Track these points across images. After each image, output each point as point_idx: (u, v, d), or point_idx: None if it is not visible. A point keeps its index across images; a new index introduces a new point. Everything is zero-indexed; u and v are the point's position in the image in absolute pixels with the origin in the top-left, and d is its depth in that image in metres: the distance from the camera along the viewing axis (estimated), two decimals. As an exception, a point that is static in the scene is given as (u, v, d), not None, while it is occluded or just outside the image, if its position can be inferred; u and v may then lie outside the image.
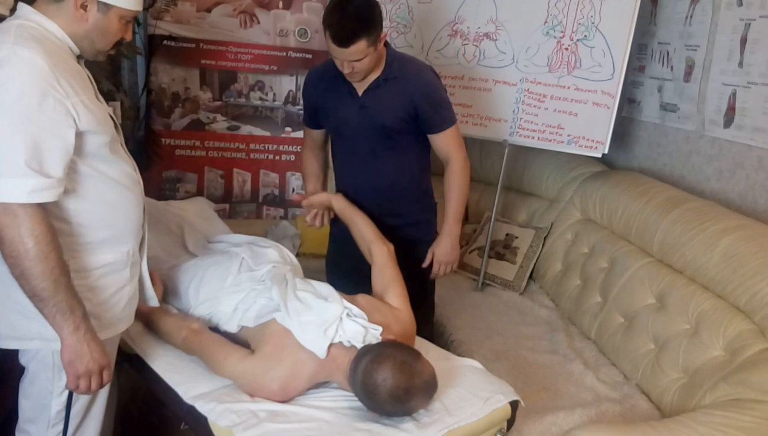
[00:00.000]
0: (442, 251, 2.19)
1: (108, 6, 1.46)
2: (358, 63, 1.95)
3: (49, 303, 1.38)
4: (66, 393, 1.57)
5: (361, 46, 1.90)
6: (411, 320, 1.82)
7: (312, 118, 2.25)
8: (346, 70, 1.98)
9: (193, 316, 1.88)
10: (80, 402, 1.61)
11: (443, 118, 2.13)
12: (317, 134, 2.30)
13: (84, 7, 1.44)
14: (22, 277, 1.36)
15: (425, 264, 2.22)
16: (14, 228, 1.32)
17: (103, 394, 1.65)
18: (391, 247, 1.97)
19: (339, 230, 2.32)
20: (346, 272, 2.15)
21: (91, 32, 1.48)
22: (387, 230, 2.21)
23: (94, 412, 1.65)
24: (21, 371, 1.62)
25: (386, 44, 2.10)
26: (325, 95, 2.16)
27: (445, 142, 2.15)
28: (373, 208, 2.19)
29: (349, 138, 2.17)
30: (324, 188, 2.37)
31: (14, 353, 1.60)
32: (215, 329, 1.86)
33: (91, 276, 1.53)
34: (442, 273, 2.23)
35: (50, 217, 1.39)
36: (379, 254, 1.94)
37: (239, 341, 1.81)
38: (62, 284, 1.38)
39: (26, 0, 1.48)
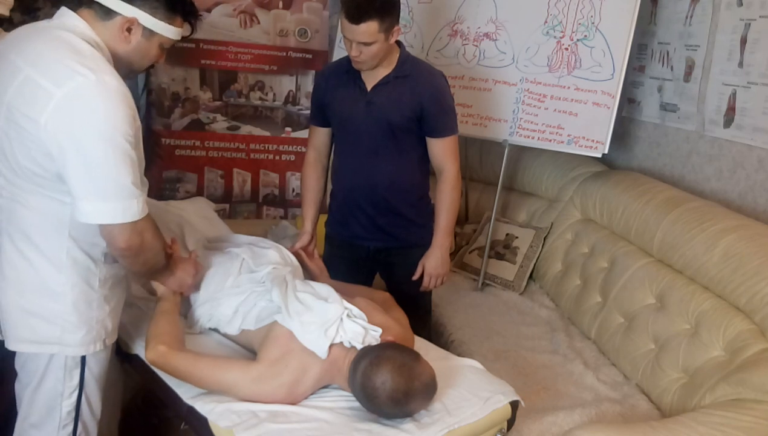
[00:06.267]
0: (433, 263, 2.19)
1: (152, 33, 1.52)
2: (366, 48, 1.95)
3: (164, 267, 1.69)
4: (76, 393, 1.59)
5: (372, 27, 1.91)
6: (411, 333, 1.83)
7: (320, 115, 2.23)
8: (353, 53, 1.98)
9: (190, 319, 1.87)
10: (85, 401, 1.62)
11: (445, 124, 2.13)
12: (323, 136, 2.27)
13: (129, 30, 1.49)
14: (146, 266, 1.58)
15: (415, 277, 2.21)
16: (139, 239, 1.47)
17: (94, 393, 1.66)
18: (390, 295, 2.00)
19: (335, 233, 2.32)
20: (342, 275, 2.15)
21: (130, 54, 1.53)
22: (382, 230, 2.21)
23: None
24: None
25: (400, 45, 2.11)
26: (334, 90, 2.16)
27: (442, 150, 2.14)
28: (368, 206, 2.19)
29: (352, 133, 2.16)
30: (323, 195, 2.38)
31: (13, 354, 1.61)
32: (215, 330, 1.86)
33: (106, 285, 1.60)
34: (433, 286, 2.23)
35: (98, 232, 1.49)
36: (381, 294, 1.99)
37: (239, 343, 1.81)
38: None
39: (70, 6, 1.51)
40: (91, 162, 1.37)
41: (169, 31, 1.54)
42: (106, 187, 1.39)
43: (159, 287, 1.82)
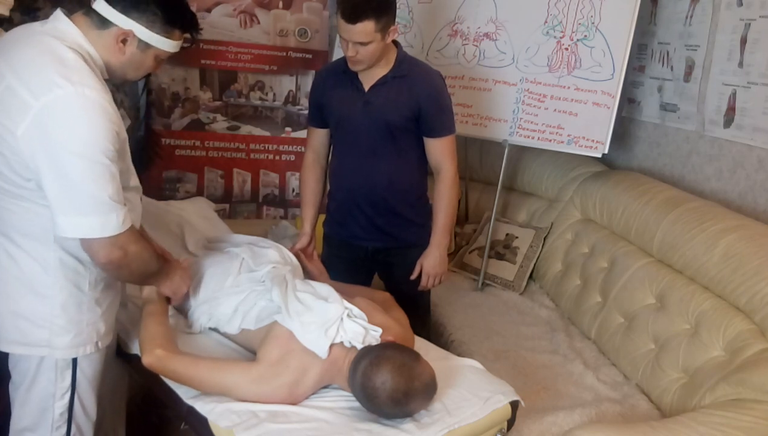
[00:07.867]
0: (431, 262, 2.19)
1: (148, 45, 1.49)
2: (363, 47, 1.95)
3: (158, 271, 1.64)
4: (68, 394, 1.58)
5: (368, 26, 1.91)
6: (411, 333, 1.83)
7: (318, 116, 2.23)
8: (350, 53, 1.98)
9: (188, 320, 1.87)
10: (78, 403, 1.61)
11: (443, 124, 2.14)
12: (321, 137, 2.27)
13: (124, 41, 1.46)
14: (134, 276, 1.58)
15: (413, 276, 2.21)
16: (120, 252, 1.44)
17: (88, 394, 1.64)
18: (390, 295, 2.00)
19: (333, 234, 2.32)
20: (341, 275, 2.15)
21: (125, 65, 1.51)
22: (380, 231, 2.21)
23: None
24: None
25: (397, 45, 2.11)
26: (332, 90, 2.16)
27: (439, 149, 2.15)
28: (367, 206, 2.19)
29: (350, 133, 2.16)
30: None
31: (7, 355, 1.60)
32: (215, 330, 1.86)
33: (98, 288, 1.58)
34: (431, 285, 2.23)
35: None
36: (382, 294, 1.98)
37: (239, 343, 1.81)
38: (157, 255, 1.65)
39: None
40: (67, 177, 1.34)
41: (165, 44, 1.51)
42: (83, 202, 1.36)
43: (145, 287, 1.80)
